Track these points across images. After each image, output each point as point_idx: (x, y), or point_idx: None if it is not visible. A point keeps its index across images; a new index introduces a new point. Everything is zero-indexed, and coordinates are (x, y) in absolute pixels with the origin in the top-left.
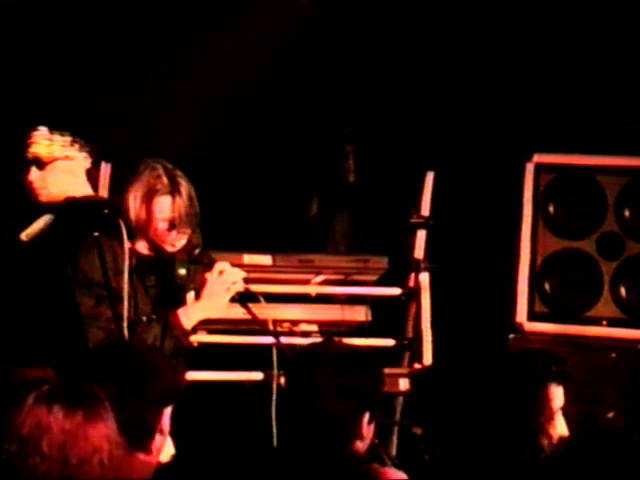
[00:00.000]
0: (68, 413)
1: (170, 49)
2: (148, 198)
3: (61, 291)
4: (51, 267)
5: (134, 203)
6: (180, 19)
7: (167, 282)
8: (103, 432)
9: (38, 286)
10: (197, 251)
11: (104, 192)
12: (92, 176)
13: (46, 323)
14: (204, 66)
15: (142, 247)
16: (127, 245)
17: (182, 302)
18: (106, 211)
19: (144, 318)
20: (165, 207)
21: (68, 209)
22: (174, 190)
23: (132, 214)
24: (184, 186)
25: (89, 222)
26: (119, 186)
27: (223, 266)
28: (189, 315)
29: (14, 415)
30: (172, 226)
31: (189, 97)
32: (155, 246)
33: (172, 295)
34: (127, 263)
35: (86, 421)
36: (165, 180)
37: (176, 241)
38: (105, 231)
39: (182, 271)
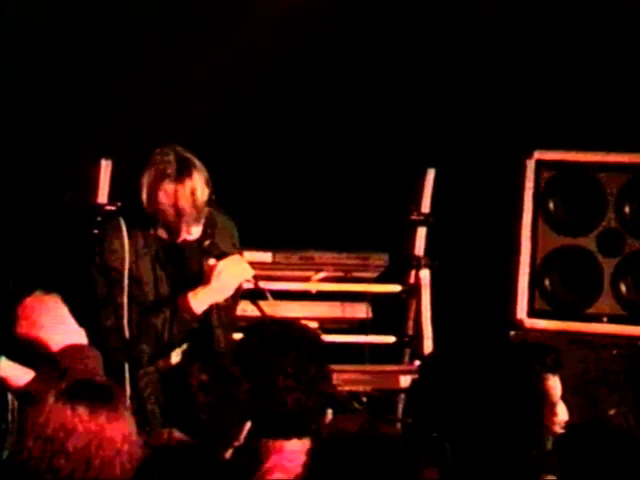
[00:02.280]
0: (93, 413)
1: (172, 45)
2: (156, 184)
3: (79, 278)
4: (60, 265)
5: (145, 189)
6: (181, 15)
7: (190, 269)
8: (125, 432)
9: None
10: (207, 243)
11: (104, 189)
12: (92, 173)
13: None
14: (205, 63)
15: (163, 234)
16: (127, 242)
17: None
18: (108, 208)
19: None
20: (171, 193)
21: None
22: (183, 176)
23: (144, 200)
24: (197, 172)
25: (90, 219)
26: (120, 184)
27: (237, 258)
28: (199, 299)
29: (34, 413)
30: (180, 213)
31: (191, 94)
32: (174, 233)
33: (194, 282)
34: (127, 260)
35: (109, 422)
36: (175, 165)
37: (189, 228)
38: (106, 228)
39: (211, 261)
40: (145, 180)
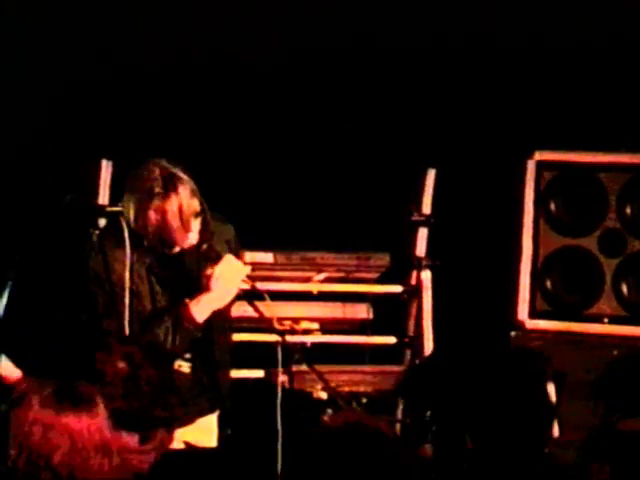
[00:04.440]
0: (78, 423)
1: (172, 45)
2: (145, 204)
3: (74, 289)
4: (60, 266)
5: (133, 208)
6: (181, 15)
7: (187, 279)
8: (108, 440)
9: (52, 284)
10: (204, 246)
11: (105, 190)
12: (93, 174)
13: (63, 320)
14: (205, 62)
15: (157, 246)
16: (128, 242)
17: None
18: (108, 209)
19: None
20: (159, 211)
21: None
22: (169, 192)
23: (133, 219)
24: (184, 184)
25: (91, 220)
26: (120, 185)
27: (230, 259)
28: (201, 307)
29: (17, 418)
30: (169, 229)
31: (190, 94)
32: (168, 245)
33: (194, 290)
34: (129, 260)
35: (93, 429)
36: (161, 182)
37: (183, 240)
38: (108, 228)
39: (204, 246)
40: (132, 200)
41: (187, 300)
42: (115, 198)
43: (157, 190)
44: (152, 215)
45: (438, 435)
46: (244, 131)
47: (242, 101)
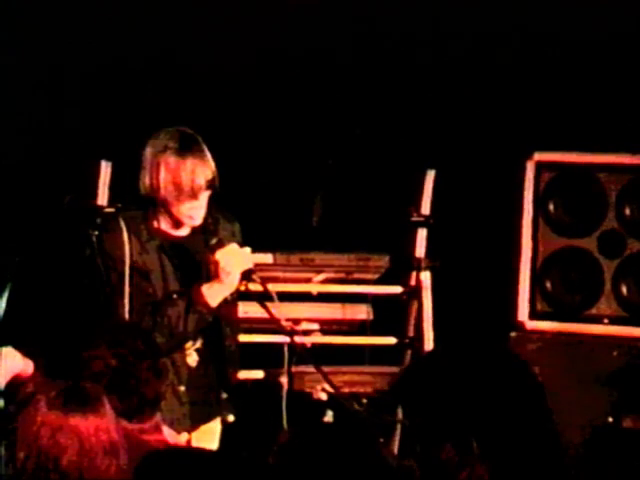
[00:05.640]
0: (86, 424)
1: (172, 45)
2: (158, 157)
3: (74, 289)
4: (60, 267)
5: (146, 163)
6: (181, 16)
7: (193, 263)
8: (115, 440)
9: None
10: (214, 241)
11: (104, 191)
12: (93, 175)
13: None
14: (206, 63)
15: (167, 227)
16: (128, 241)
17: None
18: (107, 210)
19: (174, 296)
20: (172, 167)
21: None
22: (185, 151)
23: (144, 175)
24: (200, 148)
25: (91, 221)
26: (120, 185)
27: (232, 246)
28: (213, 293)
29: (27, 422)
30: (178, 189)
31: (191, 94)
32: (178, 222)
33: (199, 276)
34: (128, 259)
35: (100, 430)
36: (178, 140)
37: (192, 210)
38: (104, 228)
39: (213, 240)
40: (147, 153)
41: (199, 283)
42: (114, 199)
43: (172, 144)
44: (163, 171)
45: (434, 441)
46: (244, 131)
47: (242, 102)
